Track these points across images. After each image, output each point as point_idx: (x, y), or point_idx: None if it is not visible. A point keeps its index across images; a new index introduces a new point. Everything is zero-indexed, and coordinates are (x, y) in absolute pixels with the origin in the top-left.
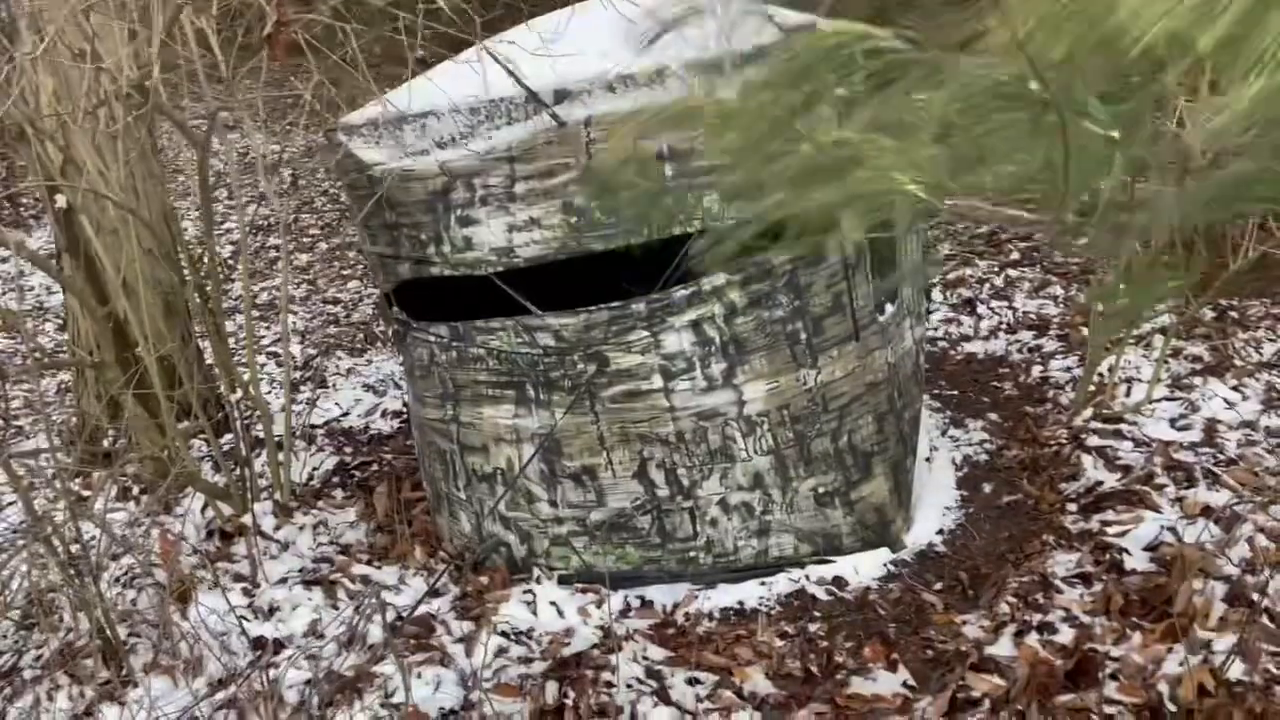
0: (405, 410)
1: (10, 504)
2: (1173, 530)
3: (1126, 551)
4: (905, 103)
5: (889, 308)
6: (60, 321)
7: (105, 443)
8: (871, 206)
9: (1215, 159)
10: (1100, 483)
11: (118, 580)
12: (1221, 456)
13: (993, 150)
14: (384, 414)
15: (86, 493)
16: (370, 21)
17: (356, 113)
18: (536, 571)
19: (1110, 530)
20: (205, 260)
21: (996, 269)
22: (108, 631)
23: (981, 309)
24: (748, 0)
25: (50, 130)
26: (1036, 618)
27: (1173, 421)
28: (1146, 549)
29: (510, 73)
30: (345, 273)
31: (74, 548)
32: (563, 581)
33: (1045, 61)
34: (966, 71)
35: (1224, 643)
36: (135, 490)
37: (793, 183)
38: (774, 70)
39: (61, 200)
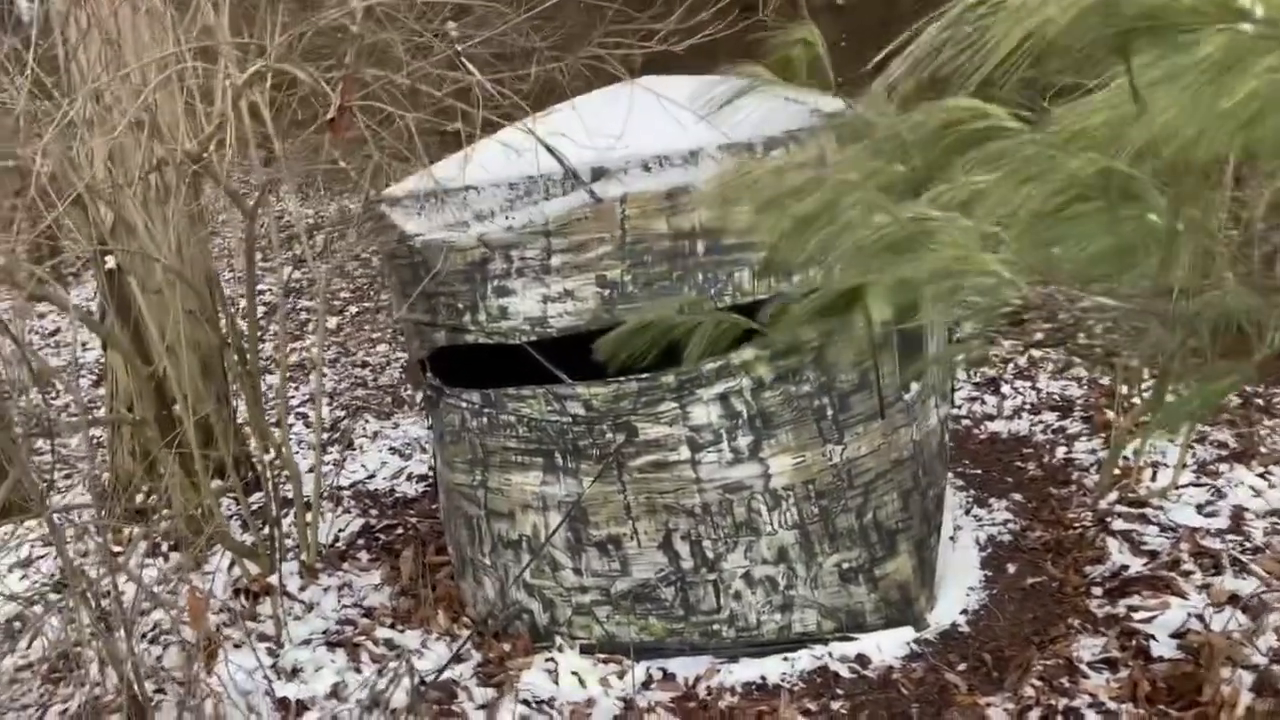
0: (430, 474)
1: (41, 557)
2: (1200, 618)
3: (1153, 638)
4: (1001, 187)
5: (914, 386)
6: (95, 377)
7: (138, 499)
8: (951, 285)
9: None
10: (1126, 567)
11: (144, 636)
12: (1249, 544)
13: (1074, 236)
14: (409, 477)
15: (118, 548)
16: (423, 105)
17: (399, 185)
18: (559, 640)
19: (1136, 616)
20: (244, 323)
21: (1020, 349)
22: (135, 688)
23: (1005, 388)
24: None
25: (105, 193)
26: (1062, 702)
27: (1199, 507)
28: (1173, 636)
29: (550, 151)
30: (374, 336)
31: (105, 603)
32: (585, 651)
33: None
34: (1065, 162)
35: None
36: (164, 547)
37: (866, 257)
38: (872, 145)
39: (111, 261)
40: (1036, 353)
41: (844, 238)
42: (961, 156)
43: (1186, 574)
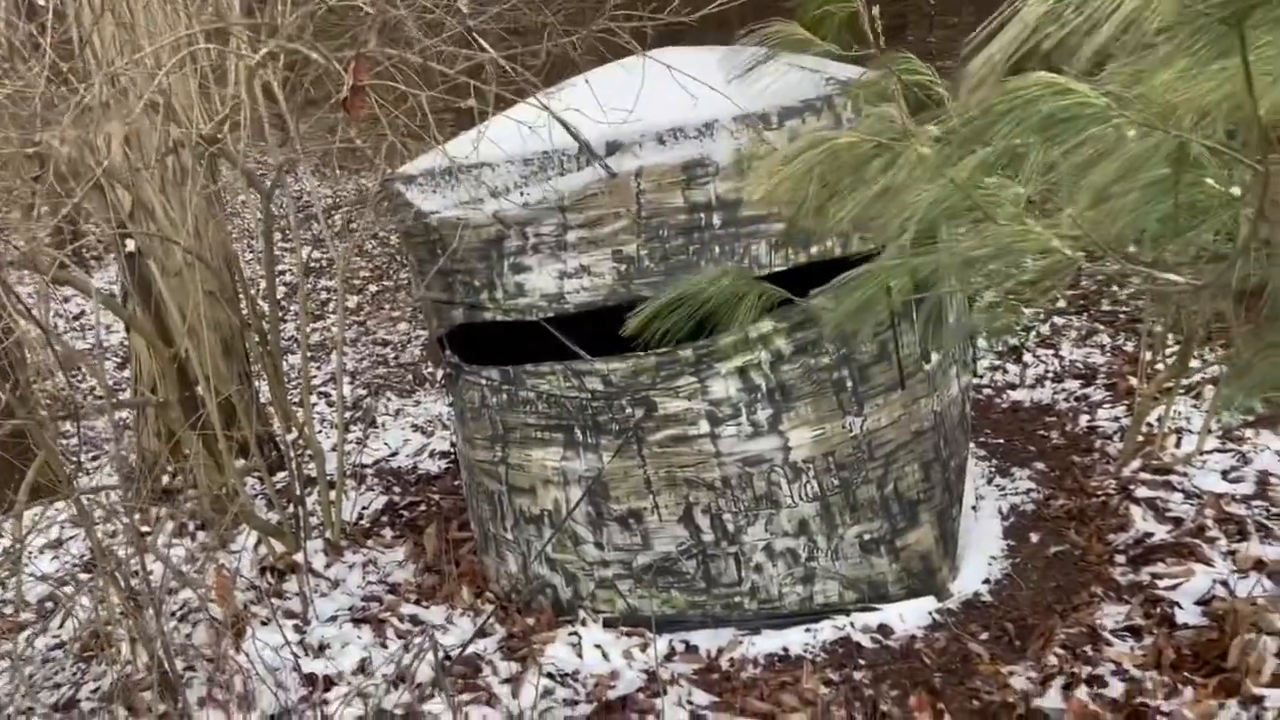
0: (452, 451)
1: (70, 538)
2: (1225, 584)
3: (1178, 605)
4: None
5: (935, 356)
6: (119, 360)
7: (164, 479)
8: (1015, 261)
9: None
10: (1150, 534)
11: (173, 615)
12: (1274, 510)
13: (1136, 204)
14: (431, 454)
15: (145, 528)
16: (436, 83)
17: (414, 163)
18: (582, 614)
19: (1161, 583)
20: (264, 303)
21: (1043, 316)
22: (165, 665)
23: (1028, 357)
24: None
25: (123, 177)
26: (1086, 670)
27: (1224, 474)
28: (1198, 603)
29: (564, 125)
30: (394, 315)
31: (135, 582)
32: (608, 624)
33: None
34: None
35: (1276, 698)
36: (191, 527)
37: (921, 232)
38: (954, 127)
39: (131, 245)
40: (1059, 320)
41: (900, 202)
42: (1043, 135)
43: (1211, 540)
